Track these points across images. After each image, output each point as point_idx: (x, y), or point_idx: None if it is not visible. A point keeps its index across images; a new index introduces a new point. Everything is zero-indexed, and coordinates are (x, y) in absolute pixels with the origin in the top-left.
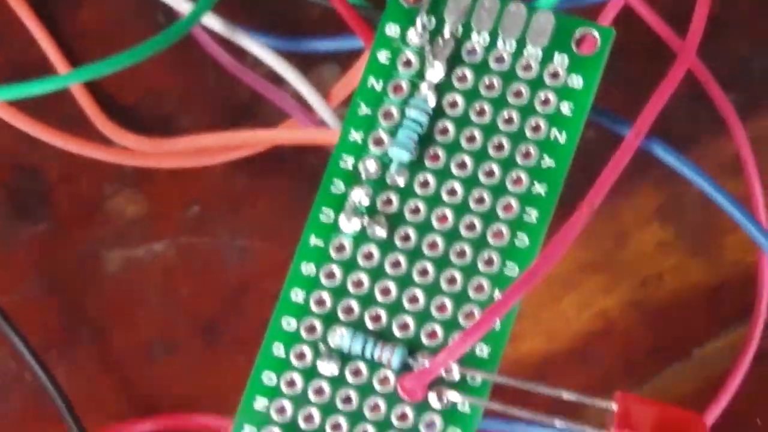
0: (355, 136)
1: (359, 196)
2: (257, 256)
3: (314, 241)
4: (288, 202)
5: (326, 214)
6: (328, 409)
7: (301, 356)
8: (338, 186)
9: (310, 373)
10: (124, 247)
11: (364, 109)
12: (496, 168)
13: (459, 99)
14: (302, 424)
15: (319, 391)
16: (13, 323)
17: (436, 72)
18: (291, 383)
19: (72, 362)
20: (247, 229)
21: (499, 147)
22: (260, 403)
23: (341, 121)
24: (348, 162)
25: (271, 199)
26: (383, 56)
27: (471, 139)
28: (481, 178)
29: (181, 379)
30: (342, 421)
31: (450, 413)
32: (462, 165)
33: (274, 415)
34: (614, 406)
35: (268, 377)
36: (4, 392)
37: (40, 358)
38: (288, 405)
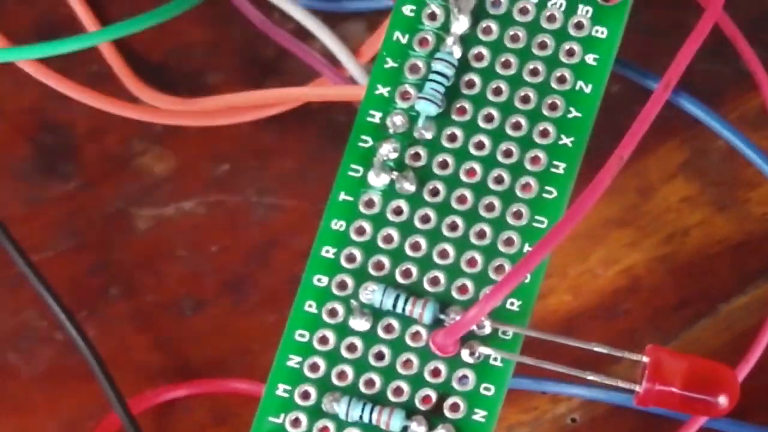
0: (382, 90)
1: (387, 150)
2: (285, 212)
3: (343, 196)
4: (315, 159)
5: (355, 170)
6: (361, 366)
7: (333, 313)
8: (366, 141)
9: (343, 330)
10: (154, 206)
11: (390, 63)
12: (523, 120)
13: (485, 51)
14: (335, 381)
15: (351, 348)
16: (47, 282)
17: (460, 24)
18: (324, 340)
19: (102, 321)
20: (276, 186)
21: (526, 99)
22: (294, 360)
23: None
24: (375, 117)
25: (299, 156)
26: (408, 9)
27: (497, 91)
28: (509, 130)
29: (211, 337)
30: (375, 377)
31: (482, 367)
32: (489, 118)
33: (308, 373)
34: (645, 359)
35: (301, 334)
36: (35, 352)
37: (73, 317)
38: (321, 362)
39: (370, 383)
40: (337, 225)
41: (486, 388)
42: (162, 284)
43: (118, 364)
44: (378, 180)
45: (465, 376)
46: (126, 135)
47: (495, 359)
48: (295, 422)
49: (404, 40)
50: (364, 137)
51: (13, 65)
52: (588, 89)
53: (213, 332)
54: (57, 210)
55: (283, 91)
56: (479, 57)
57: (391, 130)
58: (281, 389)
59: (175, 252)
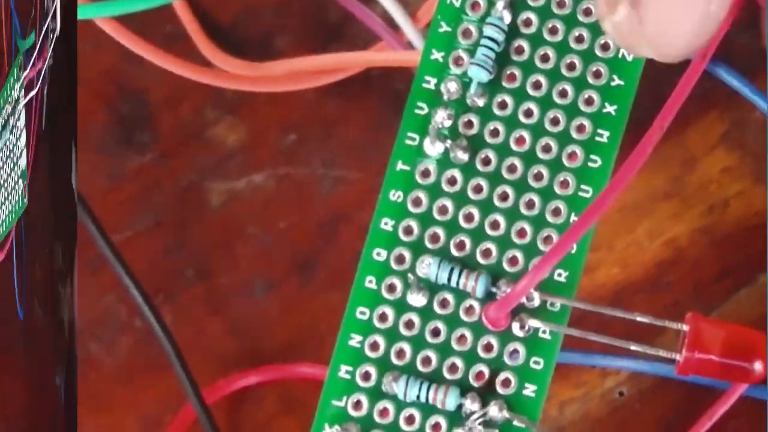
0: (437, 55)
1: (442, 117)
2: (350, 185)
3: (401, 166)
4: (377, 128)
5: (412, 138)
6: (418, 343)
7: (391, 288)
8: (422, 108)
9: (401, 306)
10: (226, 179)
11: (444, 27)
12: (568, 87)
13: (532, 17)
14: (394, 360)
15: (409, 325)
16: (127, 266)
17: None
18: (383, 317)
19: (178, 305)
20: (340, 157)
21: (571, 66)
22: (355, 340)
23: None
24: (430, 83)
25: (361, 125)
26: None
27: (545, 58)
28: (555, 98)
29: (280, 319)
30: (431, 354)
31: (532, 341)
32: (537, 85)
33: (369, 352)
34: (685, 328)
35: (362, 312)
36: (116, 341)
37: (151, 303)
38: (381, 340)
39: (426, 361)
40: (395, 196)
41: (535, 362)
42: (234, 265)
43: (192, 350)
44: (433, 149)
45: (516, 351)
46: (199, 102)
47: (544, 332)
48: (357, 405)
49: (457, 4)
50: (420, 104)
51: (93, 26)
52: (630, 57)
53: (284, 314)
54: (134, 185)
55: (343, 56)
56: (528, 23)
57: (445, 97)
58: (343, 371)
59: (246, 230)
